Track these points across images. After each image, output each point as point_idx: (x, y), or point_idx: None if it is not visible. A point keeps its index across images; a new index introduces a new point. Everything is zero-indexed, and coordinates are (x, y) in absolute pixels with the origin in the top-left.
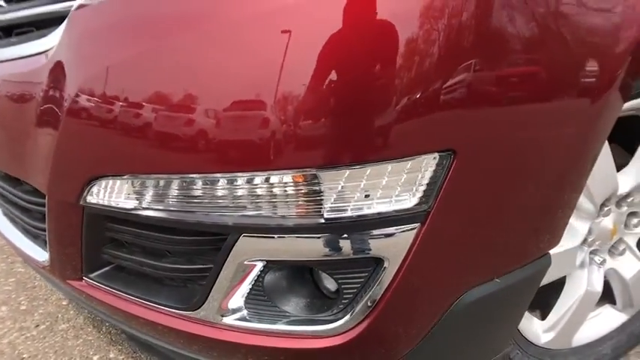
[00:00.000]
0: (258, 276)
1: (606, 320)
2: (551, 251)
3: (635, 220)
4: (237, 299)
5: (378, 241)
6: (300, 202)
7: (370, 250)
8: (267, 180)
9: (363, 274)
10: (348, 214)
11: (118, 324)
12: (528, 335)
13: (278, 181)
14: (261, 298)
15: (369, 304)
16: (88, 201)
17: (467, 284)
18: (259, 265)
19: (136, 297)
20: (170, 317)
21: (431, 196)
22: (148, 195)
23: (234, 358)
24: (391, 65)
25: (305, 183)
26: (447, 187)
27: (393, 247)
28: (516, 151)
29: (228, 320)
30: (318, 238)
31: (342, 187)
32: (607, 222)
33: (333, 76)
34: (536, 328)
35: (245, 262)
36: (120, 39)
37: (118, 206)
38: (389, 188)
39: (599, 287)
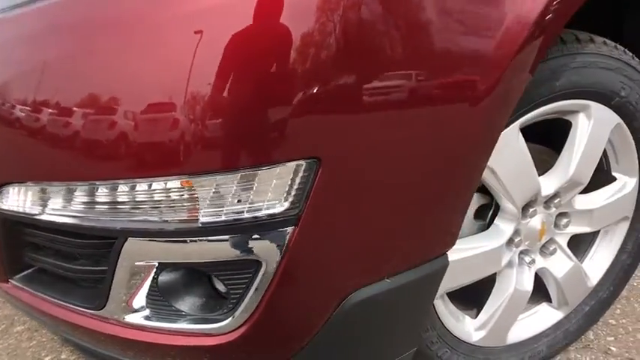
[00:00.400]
0: (154, 276)
1: (542, 318)
2: (474, 251)
3: (564, 221)
4: (140, 299)
5: (254, 244)
6: (177, 208)
7: (247, 252)
8: (149, 187)
9: (246, 276)
10: (223, 218)
11: (46, 325)
12: (459, 333)
13: (155, 187)
14: (160, 298)
15: (251, 304)
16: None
17: (354, 285)
18: (155, 266)
19: (55, 298)
20: (84, 317)
21: (301, 201)
22: (49, 201)
23: (146, 357)
24: (255, 77)
25: (179, 189)
26: (315, 192)
27: (269, 249)
28: (387, 156)
29: (132, 319)
30: (197, 241)
31: (215, 192)
32: (535, 223)
33: (194, 87)
34: (467, 327)
35: (140, 264)
36: (22, 46)
37: (25, 212)
38: (260, 193)
39: (528, 287)
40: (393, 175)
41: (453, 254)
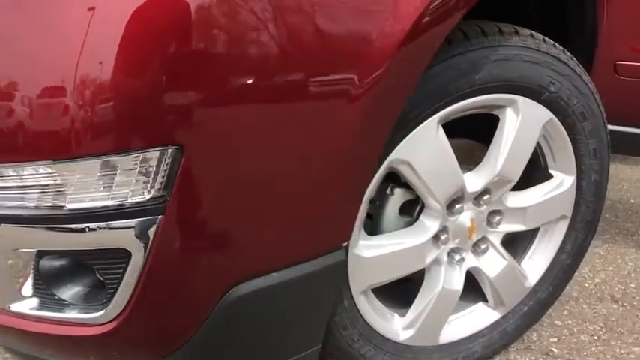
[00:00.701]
0: (35, 264)
1: (478, 318)
2: (396, 247)
3: (497, 218)
4: (28, 287)
5: (120, 234)
6: (44, 194)
7: (114, 241)
8: (15, 172)
9: (119, 266)
10: (89, 205)
11: None
12: (385, 331)
13: (21, 173)
14: (43, 286)
15: (124, 296)
16: None
17: (233, 278)
18: (34, 254)
19: None
20: None
21: (166, 189)
22: None
23: (38, 347)
24: (116, 64)
25: (45, 175)
26: (180, 181)
27: (135, 239)
28: (257, 147)
29: (19, 308)
30: (67, 229)
31: (80, 179)
32: (464, 220)
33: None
34: (395, 325)
35: (21, 250)
36: None
37: None
38: (124, 181)
39: (458, 285)
40: (266, 166)
41: (373, 250)
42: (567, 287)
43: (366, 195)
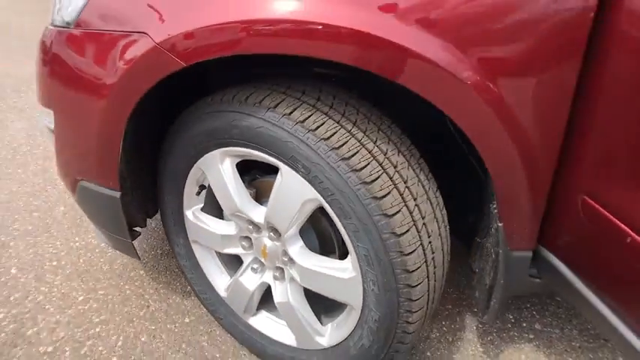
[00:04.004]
0: None
1: (286, 335)
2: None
3: (287, 259)
4: None
5: None
6: None
7: None
8: None
9: None
10: None
11: None
12: None
13: None
14: None
15: None
16: None
17: None
18: None
19: None
20: None
21: None
22: None
23: None
24: None
25: None
26: None
27: None
28: None
29: None
30: None
31: None
32: (260, 241)
33: None
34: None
35: None
36: None
37: None
38: None
39: (249, 285)
40: None
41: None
42: None
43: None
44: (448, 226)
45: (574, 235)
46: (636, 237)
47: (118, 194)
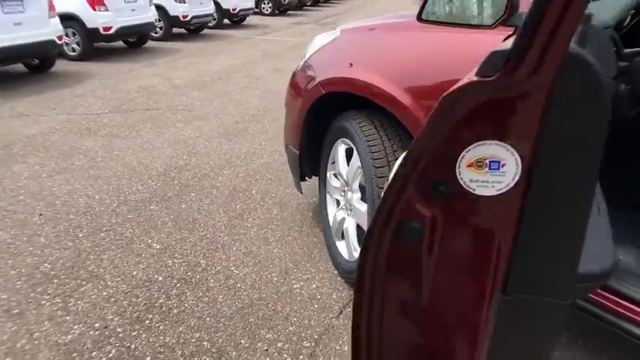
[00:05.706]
0: None
1: None
2: None
3: None
4: None
5: None
6: None
7: None
8: None
9: None
10: None
11: None
12: None
13: None
14: None
15: None
16: None
17: None
18: None
19: None
20: None
21: None
22: None
23: None
24: None
25: None
26: None
27: None
28: None
29: None
30: None
31: None
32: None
33: None
34: None
35: None
36: None
37: None
38: None
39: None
40: None
41: None
42: None
43: None
44: None
45: None
46: None
47: (297, 152)
